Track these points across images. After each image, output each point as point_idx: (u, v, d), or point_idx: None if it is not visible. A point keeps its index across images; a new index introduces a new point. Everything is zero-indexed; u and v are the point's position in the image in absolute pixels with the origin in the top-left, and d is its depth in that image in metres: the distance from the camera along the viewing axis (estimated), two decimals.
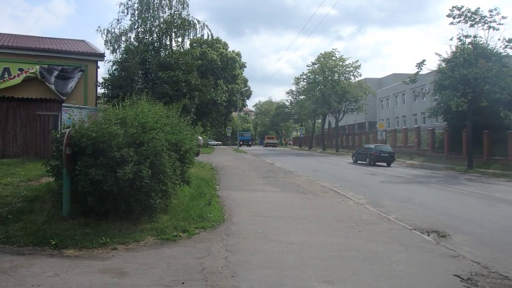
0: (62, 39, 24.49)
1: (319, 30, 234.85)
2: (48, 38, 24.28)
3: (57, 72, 19.48)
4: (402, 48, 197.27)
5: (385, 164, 29.67)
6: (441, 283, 5.64)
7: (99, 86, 20.85)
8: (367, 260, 6.43)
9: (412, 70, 33.77)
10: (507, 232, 9.00)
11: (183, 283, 5.24)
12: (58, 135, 8.13)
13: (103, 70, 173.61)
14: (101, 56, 21.25)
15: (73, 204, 7.84)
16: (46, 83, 18.96)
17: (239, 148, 62.61)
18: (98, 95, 21.93)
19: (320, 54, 55.90)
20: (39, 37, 24.30)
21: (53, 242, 6.57)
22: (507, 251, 7.47)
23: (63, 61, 19.99)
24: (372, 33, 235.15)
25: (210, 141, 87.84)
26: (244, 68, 61.58)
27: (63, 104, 15.93)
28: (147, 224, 7.86)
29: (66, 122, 10.52)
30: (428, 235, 8.40)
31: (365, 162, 30.92)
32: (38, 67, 18.98)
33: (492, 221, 10.09)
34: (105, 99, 20.52)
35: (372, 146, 32.34)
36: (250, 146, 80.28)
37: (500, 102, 25.72)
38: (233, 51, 56.65)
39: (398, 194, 14.58)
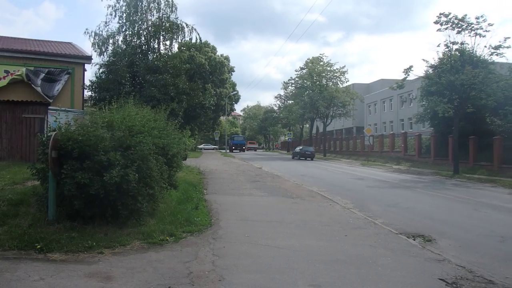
0: (49, 41, 24.26)
1: (307, 36, 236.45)
2: (35, 40, 24.03)
3: (44, 74, 19.29)
4: (389, 54, 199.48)
5: (310, 158, 44.93)
6: (426, 287, 5.70)
7: (86, 89, 20.63)
8: (354, 264, 6.47)
9: (400, 76, 34.12)
10: (492, 236, 9.10)
11: (169, 287, 5.21)
12: (44, 138, 8.04)
13: (90, 73, 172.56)
14: (88, 58, 21.12)
15: (59, 208, 7.76)
16: (33, 85, 18.76)
17: (230, 152, 62.32)
18: (85, 98, 21.75)
19: (308, 59, 56.21)
20: (25, 39, 24.04)
21: (39, 246, 6.48)
22: (492, 255, 7.56)
23: (49, 63, 19.81)
24: (359, 39, 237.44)
25: (206, 145, 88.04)
26: (232, 73, 61.57)
27: (49, 107, 15.79)
28: (134, 228, 7.81)
29: (52, 125, 10.39)
30: (414, 240, 8.48)
31: (297, 158, 46.31)
32: (24, 69, 18.77)
33: (477, 226, 10.21)
34: (92, 102, 20.30)
35: (301, 147, 50.14)
36: (244, 151, 73.69)
37: (486, 108, 26.06)
38: (221, 55, 56.53)
39: (384, 199, 14.69)
